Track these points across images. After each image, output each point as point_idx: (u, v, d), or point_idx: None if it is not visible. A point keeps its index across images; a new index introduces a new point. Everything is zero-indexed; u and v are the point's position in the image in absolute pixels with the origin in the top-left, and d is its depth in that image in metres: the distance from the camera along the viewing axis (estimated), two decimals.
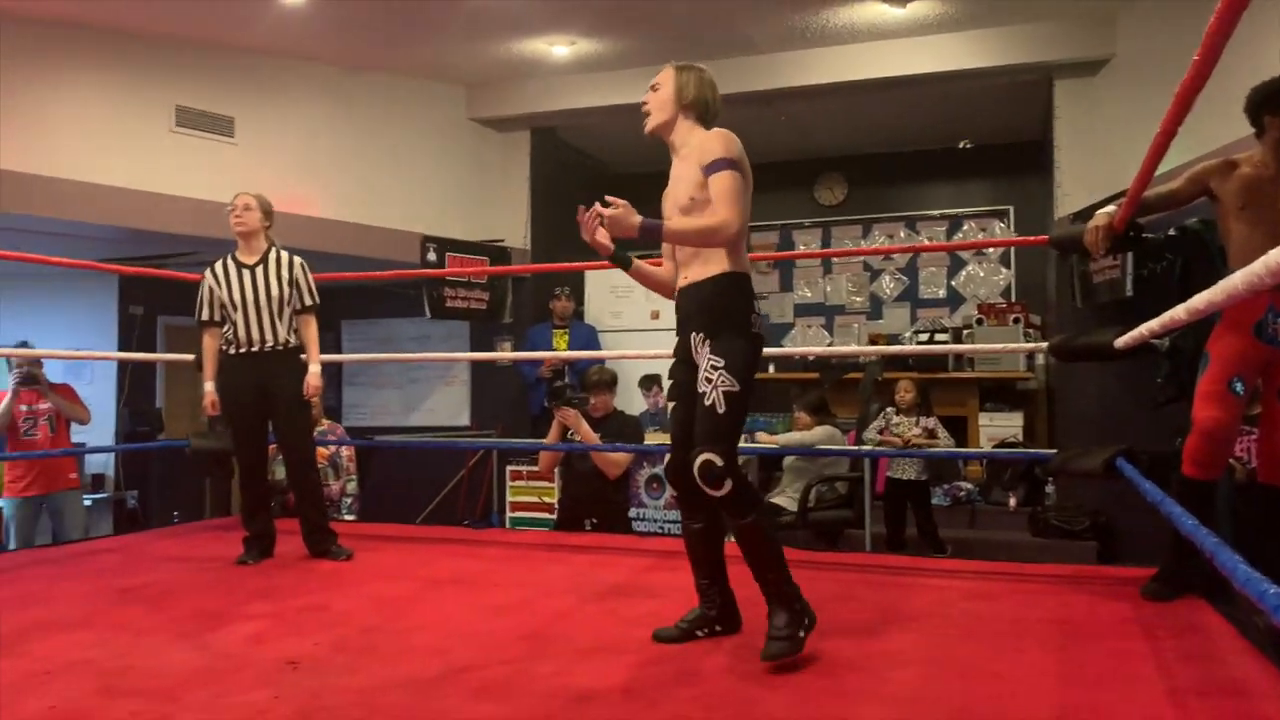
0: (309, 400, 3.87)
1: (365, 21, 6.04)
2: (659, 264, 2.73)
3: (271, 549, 3.85)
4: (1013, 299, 7.81)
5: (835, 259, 8.58)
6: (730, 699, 2.11)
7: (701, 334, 2.43)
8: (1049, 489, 6.36)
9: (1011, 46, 6.24)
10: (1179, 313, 2.17)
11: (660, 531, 5.72)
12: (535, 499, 6.28)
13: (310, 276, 3.89)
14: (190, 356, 4.81)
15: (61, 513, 5.31)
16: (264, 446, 3.96)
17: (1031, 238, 4.53)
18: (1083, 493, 5.92)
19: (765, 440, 5.91)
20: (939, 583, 3.32)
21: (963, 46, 6.31)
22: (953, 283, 8.27)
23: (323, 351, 3.96)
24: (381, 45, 6.50)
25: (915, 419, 5.58)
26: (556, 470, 5.12)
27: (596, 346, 6.88)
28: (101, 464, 7.39)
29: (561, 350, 6.69)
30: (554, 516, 5.41)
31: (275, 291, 3.78)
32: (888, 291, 8.46)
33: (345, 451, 5.47)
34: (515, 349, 7.25)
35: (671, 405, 2.58)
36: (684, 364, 2.52)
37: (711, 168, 2.40)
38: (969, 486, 6.59)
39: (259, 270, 3.80)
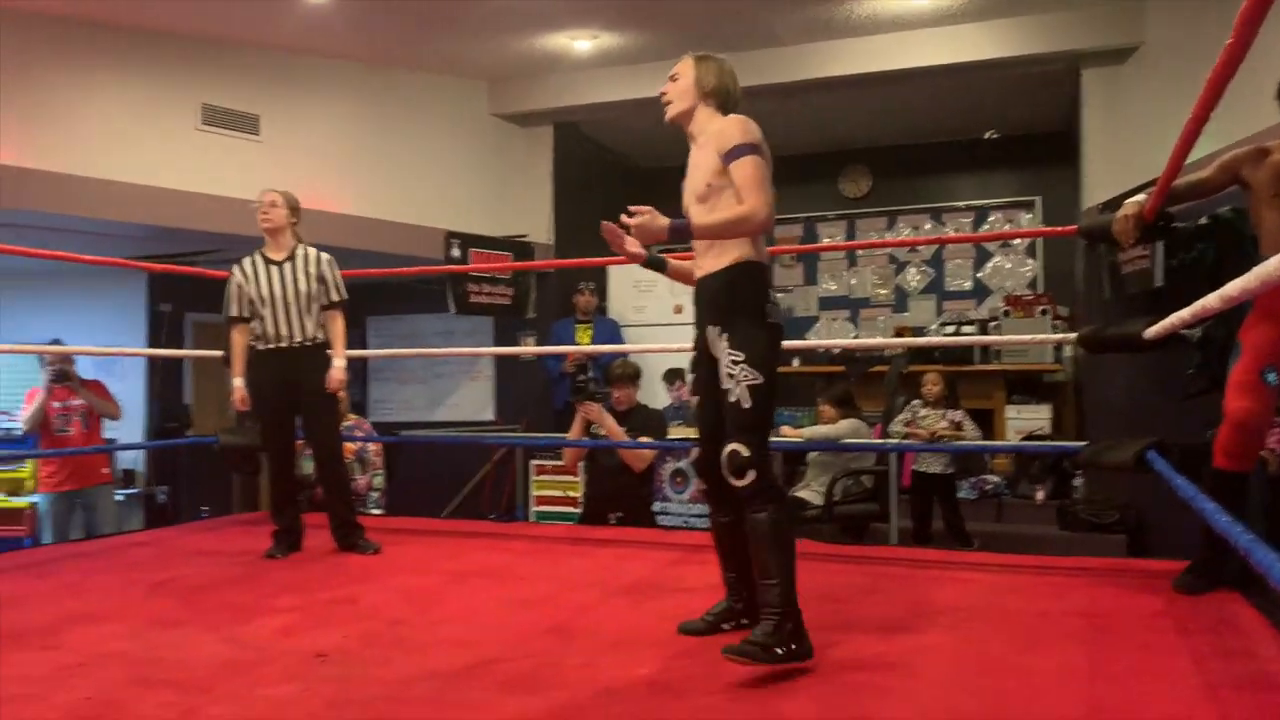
0: (335, 394, 3.90)
1: (388, 19, 6.07)
2: (691, 257, 2.71)
3: (300, 543, 3.88)
4: (1040, 290, 7.73)
5: (860, 251, 8.52)
6: (756, 692, 2.10)
7: (718, 327, 2.40)
8: (1077, 482, 6.30)
9: (1038, 35, 6.17)
10: (1211, 301, 2.14)
11: (685, 525, 5.70)
12: (560, 493, 6.29)
13: (337, 272, 3.92)
14: (218, 353, 4.86)
15: (95, 507, 5.38)
16: (292, 441, 3.99)
17: (1059, 228, 4.48)
18: (1112, 485, 5.85)
19: (790, 434, 5.89)
20: (966, 576, 3.30)
21: (988, 36, 6.24)
22: (979, 274, 8.20)
23: (349, 347, 3.99)
24: (405, 42, 6.53)
25: (942, 412, 5.55)
26: (580, 465, 5.13)
27: (619, 341, 6.88)
28: (132, 460, 7.48)
29: (585, 345, 6.70)
30: (578, 510, 5.43)
31: (303, 287, 3.81)
32: (913, 284, 8.40)
33: (372, 446, 5.50)
34: (539, 344, 7.27)
35: (697, 400, 2.58)
36: (704, 358, 2.51)
37: (732, 154, 2.35)
38: (996, 479, 6.53)
39: (287, 266, 3.82)
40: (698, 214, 2.42)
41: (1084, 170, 6.25)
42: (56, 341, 5.68)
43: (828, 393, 5.80)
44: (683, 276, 2.73)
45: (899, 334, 7.93)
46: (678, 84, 2.53)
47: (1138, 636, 2.46)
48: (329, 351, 3.87)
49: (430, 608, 2.92)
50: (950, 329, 7.42)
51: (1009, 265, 8.10)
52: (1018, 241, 8.06)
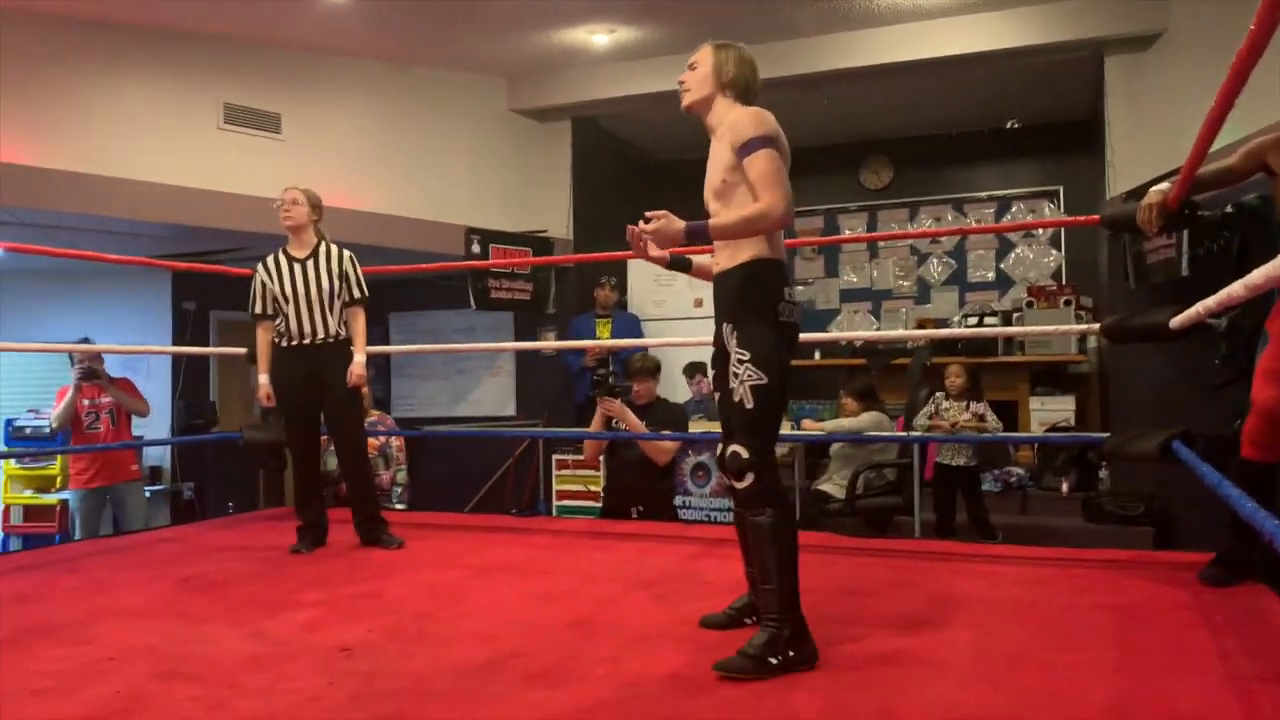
0: (358, 390, 3.93)
1: (407, 16, 6.09)
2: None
3: (324, 538, 3.91)
4: (1063, 281, 7.67)
5: (881, 243, 8.48)
6: (779, 684, 2.10)
7: (729, 324, 2.36)
8: (1102, 474, 6.25)
9: (1060, 22, 6.11)
10: (1237, 289, 2.11)
11: (706, 519, 5.72)
12: (581, 487, 6.31)
13: (359, 269, 3.94)
14: (242, 350, 4.90)
15: (124, 503, 5.45)
16: (316, 437, 4.02)
17: (1082, 218, 4.44)
18: (1137, 477, 5.80)
19: (811, 427, 5.87)
20: (989, 569, 3.28)
21: (1010, 24, 6.19)
22: (1002, 265, 8.14)
23: (371, 344, 4.01)
24: (424, 39, 6.55)
25: (965, 404, 5.51)
26: (601, 459, 5.14)
27: (639, 335, 6.89)
28: (158, 456, 7.56)
29: (604, 339, 6.71)
30: (600, 505, 5.44)
31: (325, 285, 3.83)
32: (935, 275, 8.35)
33: (395, 442, 5.54)
34: (559, 339, 7.28)
35: (718, 395, 2.57)
36: (721, 353, 2.50)
37: (746, 148, 2.29)
38: (1020, 472, 6.49)
39: (309, 264, 3.85)
40: (715, 211, 2.39)
41: (1108, 159, 6.19)
42: (85, 340, 5.75)
43: (849, 385, 5.78)
44: (706, 274, 2.69)
45: (921, 326, 7.89)
46: (696, 72, 2.48)
47: (1163, 630, 2.44)
48: (351, 348, 3.90)
49: (453, 602, 2.93)
50: (973, 320, 7.37)
51: (1032, 256, 8.03)
52: (1041, 232, 8.00)
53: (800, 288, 8.73)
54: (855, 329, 8.39)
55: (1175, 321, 3.11)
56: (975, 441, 5.45)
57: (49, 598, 3.06)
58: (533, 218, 7.55)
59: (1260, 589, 2.75)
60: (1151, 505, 5.65)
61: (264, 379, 3.93)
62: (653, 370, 4.61)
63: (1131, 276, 5.64)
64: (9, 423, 7.16)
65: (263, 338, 3.95)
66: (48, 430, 6.67)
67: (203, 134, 6.01)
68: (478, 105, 7.40)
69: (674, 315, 7.39)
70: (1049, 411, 6.80)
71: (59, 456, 6.85)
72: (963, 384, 5.54)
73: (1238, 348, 4.04)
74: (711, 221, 2.32)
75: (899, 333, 7.82)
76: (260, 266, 3.91)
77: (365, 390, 4.18)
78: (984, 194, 8.19)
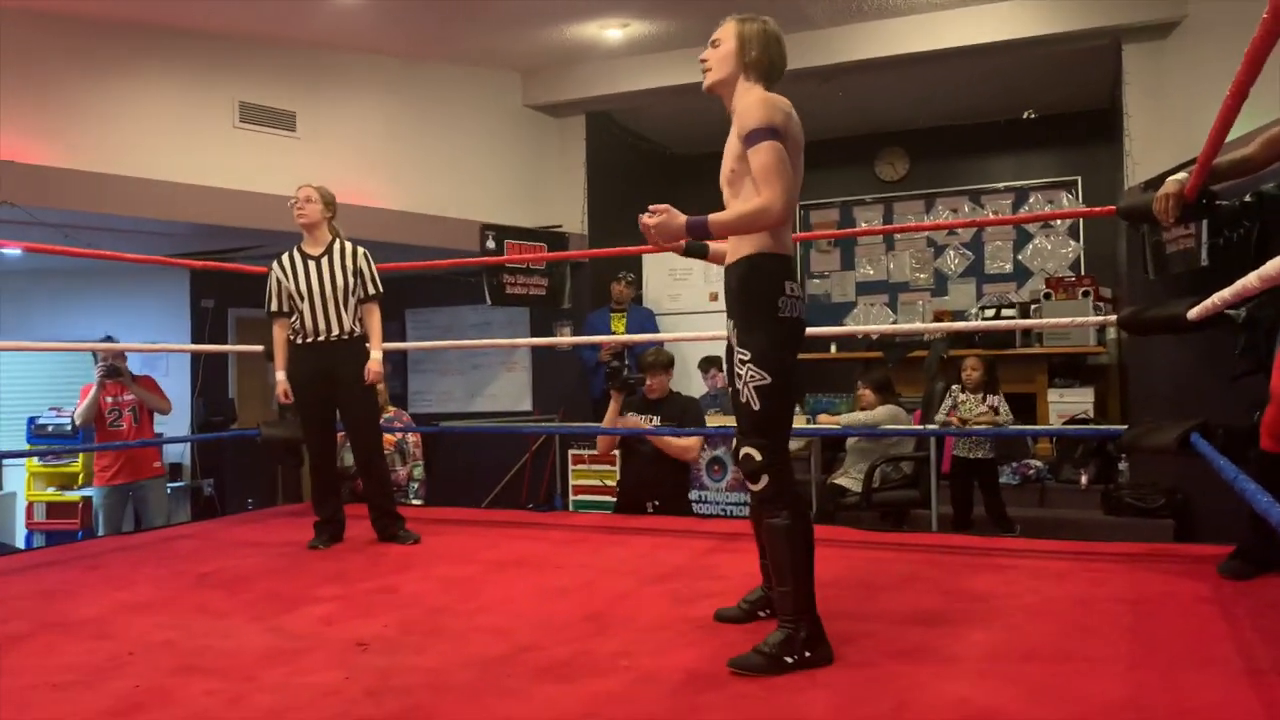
0: (373, 387, 3.95)
1: (420, 12, 6.10)
2: None
3: (341, 533, 3.94)
4: (1082, 272, 7.61)
5: (898, 235, 8.44)
6: (791, 680, 2.10)
7: (732, 321, 2.33)
8: (1122, 466, 6.20)
9: (1078, 11, 6.06)
10: (1251, 281, 2.09)
11: (722, 514, 5.72)
12: (597, 482, 6.32)
13: (374, 266, 3.96)
14: (260, 347, 4.93)
15: (147, 500, 5.50)
16: (332, 434, 4.04)
17: (1098, 208, 4.40)
18: (1158, 469, 5.75)
19: (827, 421, 5.86)
20: (1007, 562, 3.26)
21: (1026, 14, 6.14)
22: (1019, 257, 8.09)
23: (387, 340, 4.03)
24: (437, 35, 6.56)
25: (981, 396, 5.49)
26: (616, 453, 5.14)
27: (654, 329, 6.89)
28: (178, 453, 7.63)
29: (619, 334, 6.71)
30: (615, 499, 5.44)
31: (340, 281, 3.85)
32: (952, 267, 8.30)
33: (411, 438, 5.56)
34: (575, 334, 7.29)
35: (731, 390, 2.57)
36: (731, 348, 2.49)
37: (750, 139, 2.19)
38: (1038, 464, 6.45)
39: (324, 261, 3.87)
40: (728, 199, 2.35)
41: (1126, 149, 6.13)
42: (109, 338, 5.81)
43: (867, 375, 5.76)
44: (723, 260, 2.67)
45: (938, 318, 7.86)
46: (718, 50, 2.37)
47: (1181, 622, 2.43)
48: (366, 345, 3.91)
49: (468, 597, 2.95)
50: (990, 312, 7.32)
51: (1050, 247, 7.98)
52: (1059, 223, 7.93)
53: (816, 280, 8.71)
54: (872, 322, 8.36)
55: (1193, 313, 3.08)
56: (991, 435, 5.42)
57: (71, 593, 3.10)
58: (547, 213, 7.56)
59: None
60: (1172, 497, 5.60)
61: (281, 376, 3.95)
62: (666, 364, 4.60)
63: (1151, 267, 5.59)
64: (31, 421, 7.24)
65: (279, 335, 3.96)
66: (70, 428, 6.75)
67: (219, 133, 6.05)
68: (492, 101, 7.41)
69: (689, 309, 7.40)
70: (1067, 403, 6.75)
71: (81, 454, 6.93)
72: (980, 377, 5.51)
73: (1257, 339, 4.00)
74: (710, 217, 2.23)
75: (915, 326, 7.79)
76: (275, 264, 3.93)
77: (382, 386, 4.20)
78: (1001, 185, 8.14)
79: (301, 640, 2.48)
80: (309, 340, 3.86)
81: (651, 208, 2.29)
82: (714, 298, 7.14)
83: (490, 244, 6.92)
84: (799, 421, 5.81)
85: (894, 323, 8.31)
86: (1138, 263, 5.93)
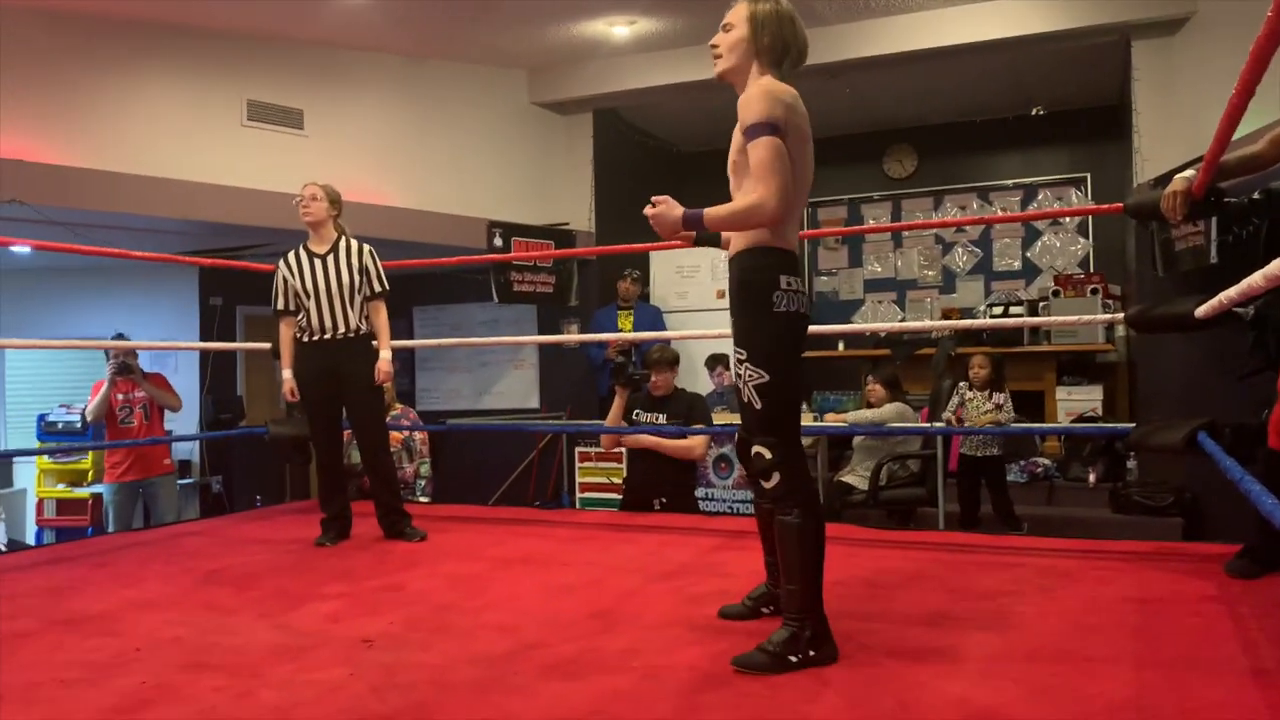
0: (381, 385, 3.96)
1: (427, 11, 6.11)
2: None
3: (348, 531, 3.95)
4: (1091, 269, 7.58)
5: (906, 232, 8.42)
6: (796, 679, 2.10)
7: (732, 318, 2.30)
8: (1131, 464, 6.18)
9: (1086, 7, 6.03)
10: (1256, 280, 2.08)
11: (729, 511, 5.72)
12: (604, 479, 6.33)
13: (380, 264, 3.96)
14: (268, 345, 4.95)
15: (157, 497, 5.53)
16: (339, 432, 4.05)
17: (1106, 206, 4.38)
18: (1167, 468, 5.73)
19: (834, 420, 5.85)
20: (1013, 561, 3.26)
21: (1034, 10, 6.12)
22: (1028, 254, 8.07)
23: (395, 338, 4.04)
24: (444, 33, 6.57)
25: (987, 393, 5.48)
26: (623, 449, 5.14)
27: (661, 327, 6.89)
28: (187, 451, 7.66)
29: (626, 331, 6.71)
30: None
31: (346, 279, 3.86)
32: (960, 265, 8.28)
33: (418, 435, 5.58)
34: (582, 331, 7.29)
35: (735, 389, 2.56)
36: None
37: (748, 134, 2.15)
38: (1046, 462, 6.44)
39: (330, 259, 3.88)
40: (733, 189, 2.32)
41: (1135, 145, 6.11)
42: (120, 336, 5.83)
43: (876, 371, 5.76)
44: None
45: (946, 316, 7.84)
46: (729, 35, 2.31)
47: (1188, 622, 2.42)
48: (374, 343, 3.92)
49: (475, 594, 2.95)
50: (999, 310, 7.31)
51: (1059, 244, 7.95)
52: (1068, 220, 7.91)
53: (824, 278, 8.69)
54: (880, 319, 8.34)
55: (1200, 311, 3.07)
56: (997, 433, 5.41)
57: (79, 590, 3.12)
58: (554, 210, 7.56)
59: None
60: (1181, 496, 5.58)
61: (287, 374, 3.96)
62: (671, 361, 4.59)
63: (1160, 264, 5.57)
64: (41, 418, 7.28)
65: (285, 333, 3.97)
66: (80, 425, 6.78)
67: (227, 131, 6.07)
68: (499, 98, 7.41)
69: (696, 307, 7.39)
70: (1075, 401, 6.73)
71: (90, 452, 6.96)
72: (987, 374, 5.50)
73: (1266, 337, 3.98)
74: (706, 210, 2.19)
75: (923, 324, 7.77)
76: (281, 262, 3.94)
77: (389, 384, 4.21)
78: (1009, 182, 8.11)
79: (308, 637, 2.49)
80: (315, 338, 3.87)
81: (654, 198, 2.28)
82: (721, 295, 7.14)
83: (497, 241, 6.93)
84: (806, 420, 5.81)
85: (902, 320, 8.29)
86: (1146, 260, 5.91)
